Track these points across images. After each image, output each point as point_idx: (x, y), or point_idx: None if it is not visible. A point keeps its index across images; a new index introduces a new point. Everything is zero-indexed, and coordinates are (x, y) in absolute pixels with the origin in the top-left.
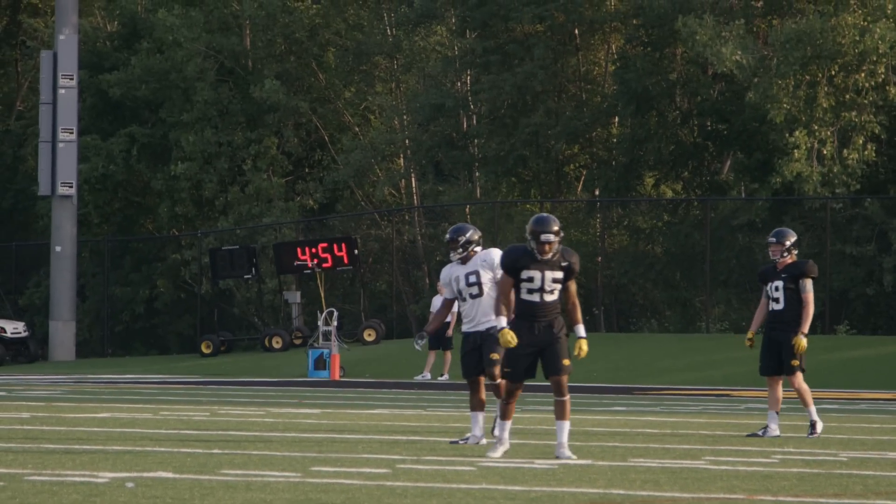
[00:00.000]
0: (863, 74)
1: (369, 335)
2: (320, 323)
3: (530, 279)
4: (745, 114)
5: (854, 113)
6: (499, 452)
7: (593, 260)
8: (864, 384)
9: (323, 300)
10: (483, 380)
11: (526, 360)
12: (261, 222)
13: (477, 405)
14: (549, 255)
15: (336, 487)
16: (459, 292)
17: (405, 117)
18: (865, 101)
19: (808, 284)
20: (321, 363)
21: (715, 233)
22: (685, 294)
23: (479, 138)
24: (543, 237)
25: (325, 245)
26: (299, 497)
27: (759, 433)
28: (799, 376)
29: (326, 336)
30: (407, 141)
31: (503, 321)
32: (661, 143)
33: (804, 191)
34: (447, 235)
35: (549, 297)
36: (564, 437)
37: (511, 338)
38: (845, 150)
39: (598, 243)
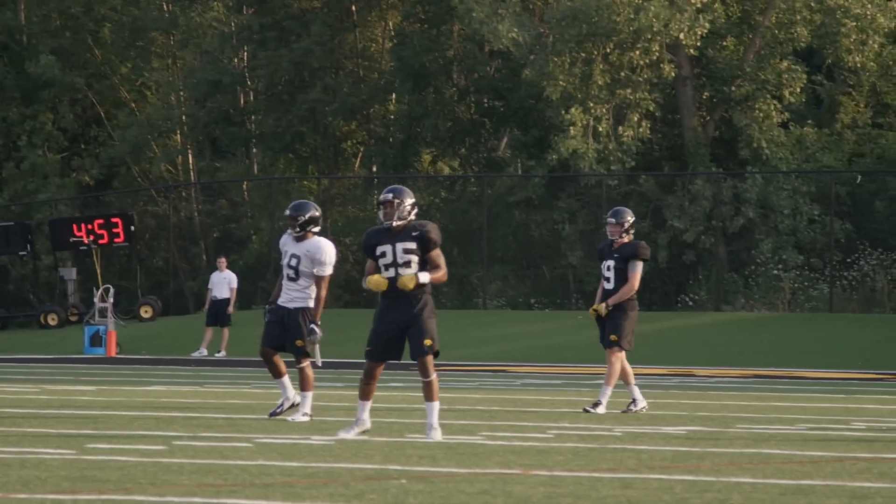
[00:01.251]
0: (637, 52)
1: (146, 312)
2: (96, 300)
3: (383, 254)
4: (521, 91)
5: (629, 90)
6: (353, 432)
7: None
8: (637, 360)
9: (99, 277)
10: (271, 352)
11: (387, 339)
12: (36, 198)
13: (277, 374)
14: (394, 222)
15: (112, 464)
16: (282, 266)
17: (182, 93)
18: (640, 79)
19: (638, 266)
20: (97, 340)
21: (492, 209)
22: (462, 270)
23: (256, 114)
24: (381, 197)
25: (101, 221)
26: (74, 474)
27: (632, 408)
28: (616, 353)
29: (102, 313)
30: (184, 117)
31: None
32: (439, 119)
33: (580, 168)
34: (287, 212)
35: (404, 271)
36: (433, 419)
37: (380, 279)
38: (620, 128)
39: (376, 220)
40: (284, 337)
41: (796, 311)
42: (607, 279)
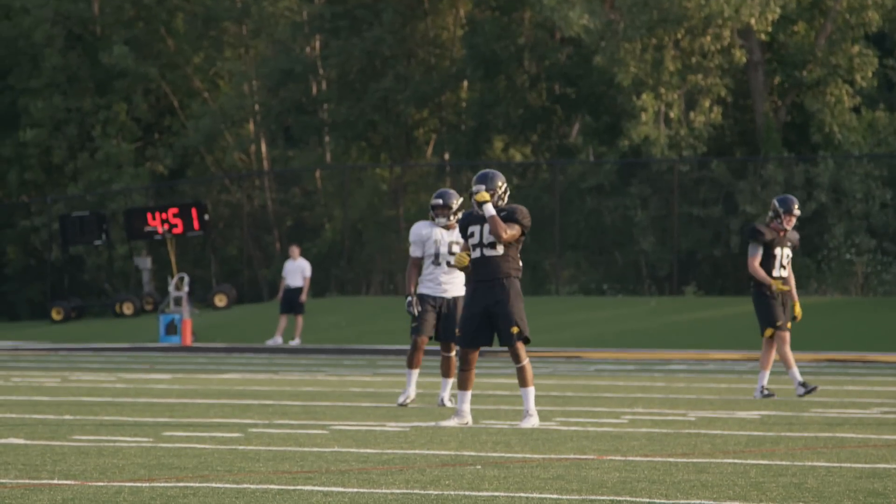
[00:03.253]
0: (708, 38)
1: (220, 300)
2: (171, 288)
3: (472, 234)
4: (592, 77)
5: (700, 76)
6: (452, 423)
7: None
8: (711, 344)
9: (174, 266)
10: (426, 340)
11: (476, 324)
12: (111, 188)
13: (415, 364)
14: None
15: (188, 452)
16: (436, 255)
17: (254, 82)
18: (711, 65)
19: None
20: (172, 328)
21: (564, 196)
22: (535, 257)
23: (328, 103)
24: (474, 188)
25: (175, 210)
26: (151, 462)
27: (764, 394)
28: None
29: (177, 301)
30: (256, 106)
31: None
32: (510, 106)
33: (652, 153)
34: (439, 200)
35: (489, 252)
36: (529, 405)
37: (461, 255)
38: (692, 113)
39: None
40: (445, 327)
41: (869, 294)
42: (784, 266)
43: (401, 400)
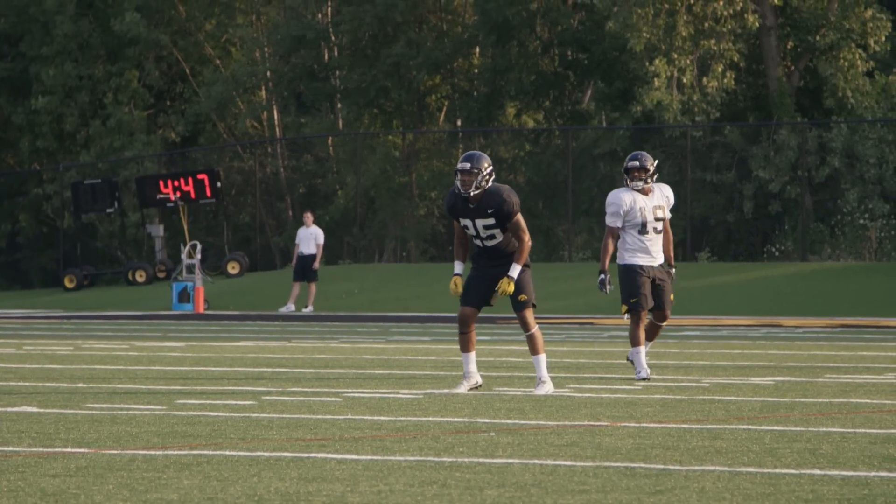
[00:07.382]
0: (721, 3)
1: (233, 268)
2: (184, 256)
3: (466, 227)
4: (605, 43)
5: (713, 41)
6: (463, 388)
7: None
8: (724, 310)
9: (186, 233)
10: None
11: (480, 286)
12: (122, 156)
13: (641, 340)
14: (470, 191)
15: (202, 420)
16: (643, 224)
17: (266, 49)
18: (724, 30)
19: None
20: (185, 296)
21: (577, 162)
22: (547, 223)
23: (340, 69)
24: (459, 166)
25: (187, 178)
26: (165, 430)
27: None
28: None
29: (190, 269)
30: (268, 73)
31: (458, 267)
32: (523, 72)
33: (664, 119)
34: (635, 163)
35: (490, 243)
36: (541, 372)
37: (456, 286)
38: (705, 78)
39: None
40: (656, 295)
41: (883, 260)
42: None
43: (642, 375)
